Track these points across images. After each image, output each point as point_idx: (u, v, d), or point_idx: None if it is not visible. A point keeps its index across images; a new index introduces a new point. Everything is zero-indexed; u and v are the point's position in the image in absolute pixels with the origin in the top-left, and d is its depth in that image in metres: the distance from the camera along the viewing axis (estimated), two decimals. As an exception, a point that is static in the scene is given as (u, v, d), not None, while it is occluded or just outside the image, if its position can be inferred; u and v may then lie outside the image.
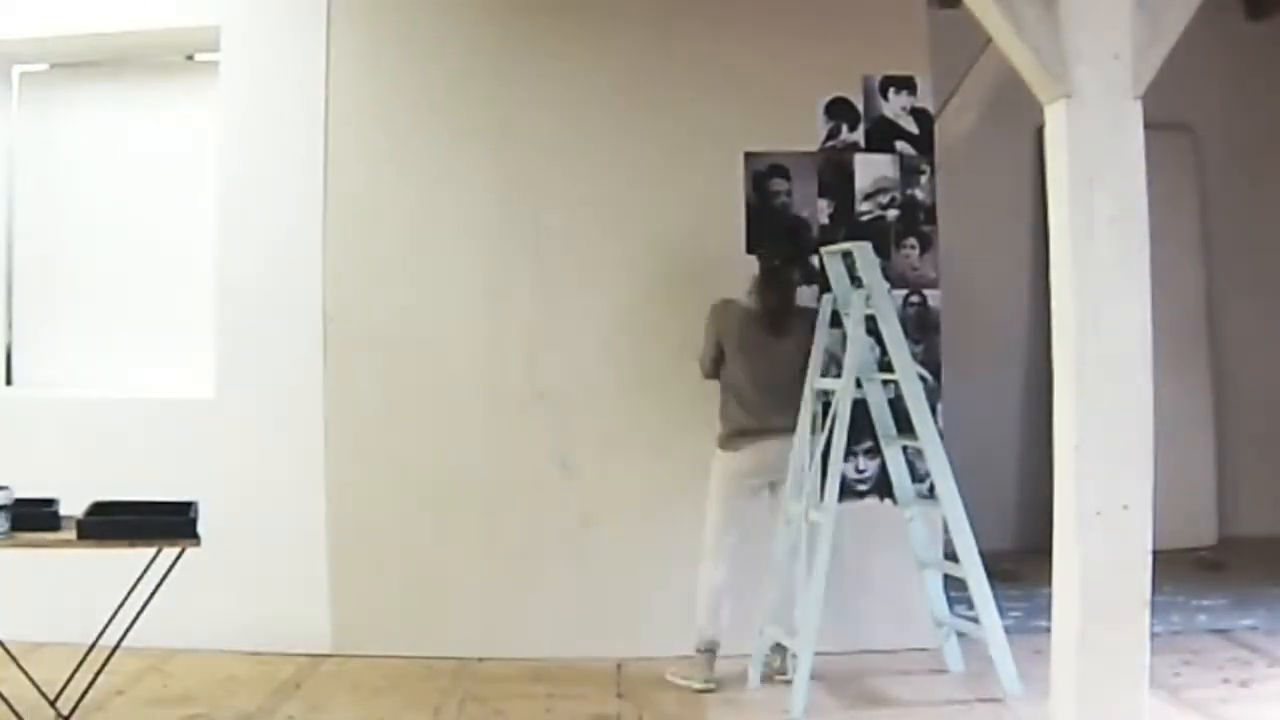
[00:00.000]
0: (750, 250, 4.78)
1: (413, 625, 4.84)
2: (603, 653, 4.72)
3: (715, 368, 4.56)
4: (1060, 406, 2.98)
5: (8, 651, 3.87)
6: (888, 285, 4.43)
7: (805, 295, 4.71)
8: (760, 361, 4.49)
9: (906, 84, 4.96)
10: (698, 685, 4.37)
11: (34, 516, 3.66)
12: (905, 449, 4.59)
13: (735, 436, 4.50)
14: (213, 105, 5.06)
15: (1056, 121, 2.97)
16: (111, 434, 4.89)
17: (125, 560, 3.71)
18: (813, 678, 4.13)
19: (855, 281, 4.46)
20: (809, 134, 4.94)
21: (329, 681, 4.51)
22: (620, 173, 4.91)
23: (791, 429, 4.45)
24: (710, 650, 4.43)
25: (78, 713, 3.84)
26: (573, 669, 4.24)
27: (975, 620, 4.36)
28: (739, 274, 4.64)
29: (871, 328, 4.39)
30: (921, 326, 4.92)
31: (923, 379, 4.44)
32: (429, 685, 4.45)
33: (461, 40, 4.97)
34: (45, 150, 5.35)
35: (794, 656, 4.27)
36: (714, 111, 4.90)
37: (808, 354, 4.51)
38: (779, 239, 4.71)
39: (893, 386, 4.47)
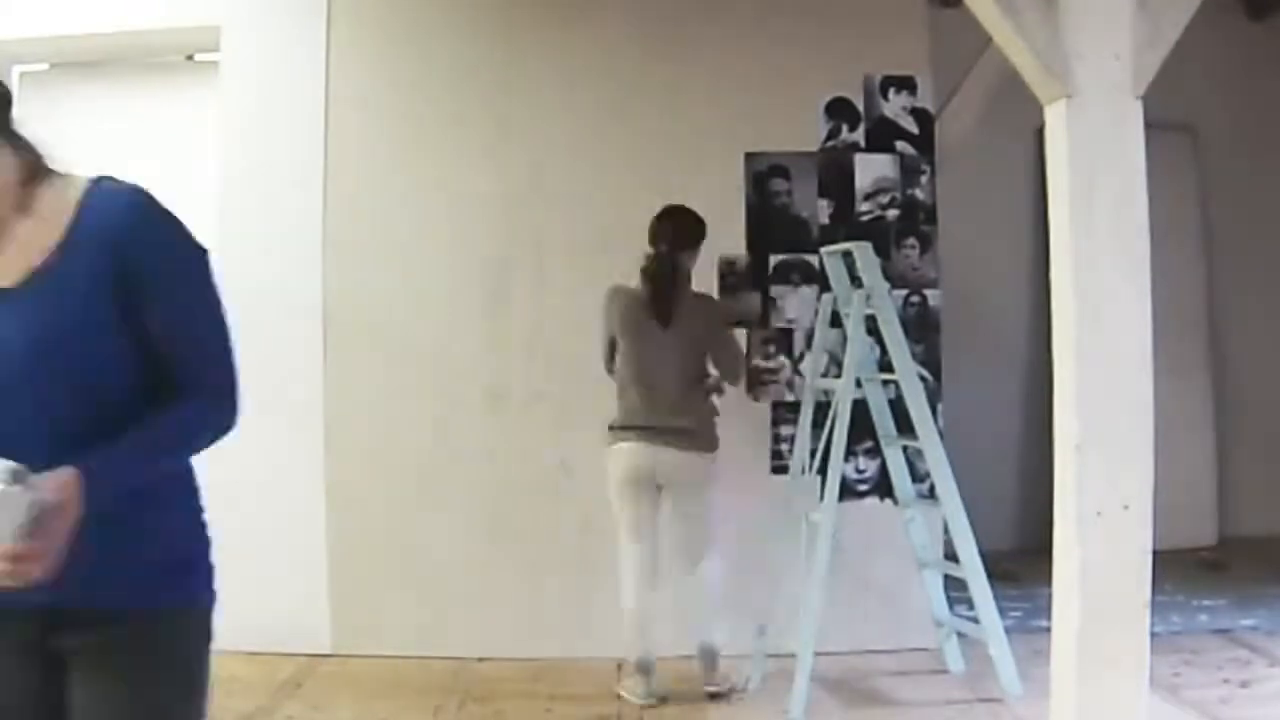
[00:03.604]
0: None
1: (413, 625, 4.84)
2: (603, 653, 4.72)
3: (610, 360, 4.36)
4: (1060, 406, 2.97)
5: (8, 651, 3.86)
6: (888, 285, 4.42)
7: (704, 285, 4.52)
8: (644, 351, 4.26)
9: (906, 84, 4.96)
10: (638, 700, 4.25)
11: (34, 516, 3.66)
12: (905, 449, 4.58)
13: (615, 432, 4.29)
14: (213, 105, 5.06)
15: (1056, 121, 2.96)
16: (111, 434, 4.88)
17: (125, 560, 3.71)
18: (813, 678, 4.12)
19: (855, 281, 4.46)
20: (809, 134, 4.94)
21: (329, 681, 4.51)
22: (620, 172, 4.91)
23: (678, 433, 4.19)
24: (645, 670, 4.27)
25: (78, 712, 3.83)
26: (573, 669, 4.24)
27: (975, 620, 4.35)
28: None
29: (871, 328, 4.39)
30: (921, 326, 4.91)
31: (923, 379, 4.44)
32: (429, 685, 4.46)
33: (461, 40, 4.98)
34: (45, 150, 5.33)
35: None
36: (714, 111, 4.90)
37: (700, 352, 4.32)
38: (665, 225, 4.32)
39: (893, 386, 4.46)
